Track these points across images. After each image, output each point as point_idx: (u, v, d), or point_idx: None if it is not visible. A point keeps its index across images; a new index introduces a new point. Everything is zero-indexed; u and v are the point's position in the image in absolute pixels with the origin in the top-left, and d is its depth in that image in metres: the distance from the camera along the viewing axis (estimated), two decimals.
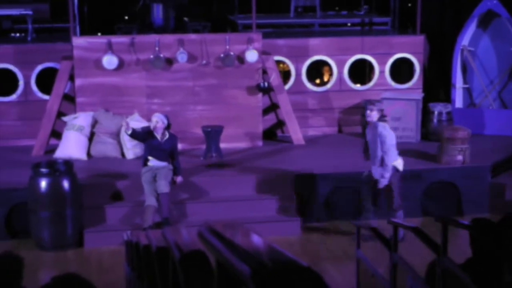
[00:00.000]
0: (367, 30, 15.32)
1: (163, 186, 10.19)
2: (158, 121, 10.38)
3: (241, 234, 2.04)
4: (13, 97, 12.83)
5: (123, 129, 11.94)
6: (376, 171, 9.94)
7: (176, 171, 10.53)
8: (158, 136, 10.41)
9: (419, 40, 13.78)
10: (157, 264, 3.75)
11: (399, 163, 9.94)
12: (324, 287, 1.43)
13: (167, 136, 10.48)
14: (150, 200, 10.17)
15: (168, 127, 10.50)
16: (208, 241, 2.08)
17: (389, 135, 9.77)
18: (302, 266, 1.49)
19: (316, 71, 14.09)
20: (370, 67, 13.88)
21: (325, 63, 13.71)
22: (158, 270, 3.72)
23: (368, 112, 9.89)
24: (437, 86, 14.62)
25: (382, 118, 9.89)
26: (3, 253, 5.86)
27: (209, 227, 2.17)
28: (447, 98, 13.92)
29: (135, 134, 10.50)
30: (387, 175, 9.85)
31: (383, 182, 9.89)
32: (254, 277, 1.52)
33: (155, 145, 10.41)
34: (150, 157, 10.40)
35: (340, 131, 13.75)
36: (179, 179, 10.55)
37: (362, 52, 13.61)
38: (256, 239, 1.92)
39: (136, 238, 5.80)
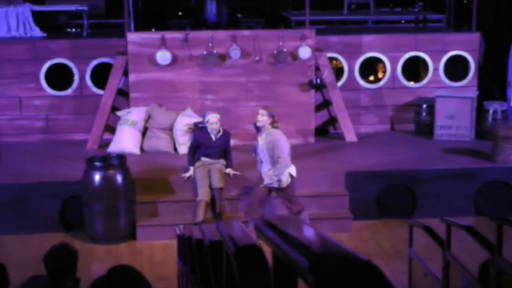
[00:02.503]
0: (422, 27, 15.18)
1: (218, 181, 10.26)
2: (217, 121, 10.45)
3: (298, 228, 2.04)
4: (68, 91, 13.00)
5: (175, 124, 12.03)
6: (266, 176, 9.79)
7: (227, 165, 10.64)
8: (213, 135, 10.45)
9: (474, 37, 13.61)
10: (211, 258, 3.77)
11: (292, 169, 9.77)
12: (385, 281, 1.42)
13: (220, 133, 10.54)
14: (203, 195, 10.22)
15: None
16: (265, 234, 2.09)
17: (282, 140, 9.54)
18: (362, 259, 1.48)
19: (370, 68, 14.00)
20: (424, 64, 13.75)
21: (378, 60, 13.62)
22: (212, 264, 3.73)
23: (259, 116, 9.63)
24: (492, 84, 14.42)
25: (274, 123, 9.65)
26: (58, 245, 5.96)
27: (265, 221, 2.17)
28: (503, 96, 13.73)
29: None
30: (282, 178, 9.68)
31: (273, 184, 9.73)
32: (313, 270, 1.52)
33: (208, 144, 10.47)
34: (203, 157, 10.49)
35: (392, 128, 13.65)
36: (232, 172, 10.65)
37: (416, 49, 13.49)
38: (313, 232, 1.91)
39: (189, 232, 5.83)
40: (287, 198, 9.89)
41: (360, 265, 1.46)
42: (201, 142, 10.51)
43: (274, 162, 9.64)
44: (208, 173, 10.36)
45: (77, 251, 6.02)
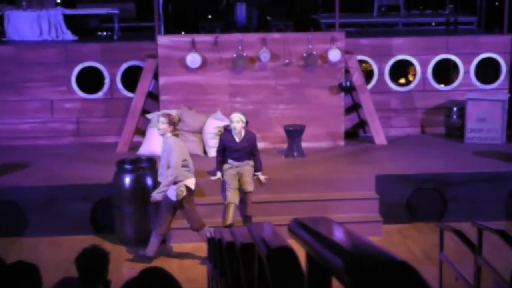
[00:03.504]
0: (452, 29, 15.09)
1: (248, 185, 10.28)
2: (239, 121, 10.36)
3: (331, 228, 2.04)
4: (99, 94, 13.08)
5: (205, 127, 12.06)
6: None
7: (256, 168, 10.60)
8: (237, 137, 10.42)
9: (506, 39, 13.51)
10: (242, 260, 3.77)
11: (190, 182, 9.36)
12: (421, 282, 1.41)
13: (243, 134, 10.46)
14: (232, 198, 10.23)
15: (245, 125, 10.49)
16: (298, 235, 2.08)
17: (176, 150, 9.15)
18: (398, 259, 1.48)
19: (400, 70, 13.94)
20: (455, 67, 13.66)
21: (409, 63, 13.56)
22: (243, 266, 3.74)
23: (160, 124, 9.23)
24: None
25: (174, 131, 9.28)
26: (90, 247, 5.99)
27: (299, 222, 2.17)
28: None
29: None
30: (169, 189, 9.30)
31: (156, 197, 9.35)
32: (349, 270, 1.51)
33: (232, 146, 10.44)
34: (230, 160, 10.49)
35: (423, 131, 13.58)
36: (262, 177, 10.63)
37: (446, 52, 13.41)
38: (347, 233, 1.91)
39: (219, 235, 5.84)
40: (184, 213, 9.50)
41: (396, 266, 1.46)
42: (226, 145, 10.49)
43: (165, 172, 9.32)
44: (237, 176, 10.37)
45: (109, 253, 6.05)
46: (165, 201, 9.42)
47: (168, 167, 9.21)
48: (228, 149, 10.48)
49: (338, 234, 1.95)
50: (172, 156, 9.15)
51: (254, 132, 10.81)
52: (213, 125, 12.08)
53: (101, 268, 5.90)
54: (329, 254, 1.69)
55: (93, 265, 5.84)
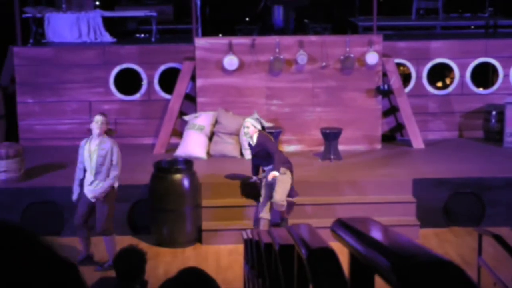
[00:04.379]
0: (492, 32, 14.95)
1: (276, 195, 10.04)
2: (249, 126, 10.11)
3: (375, 229, 2.03)
4: (137, 96, 13.16)
5: (241, 129, 12.08)
6: (91, 189, 9.36)
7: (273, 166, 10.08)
8: (251, 142, 10.22)
9: None
10: (281, 261, 3.77)
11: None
12: (468, 281, 1.40)
13: (255, 140, 10.13)
14: (263, 213, 10.13)
15: (263, 129, 10.24)
16: (341, 235, 2.08)
17: (118, 150, 9.29)
18: (444, 259, 1.47)
19: (438, 74, 13.84)
20: (494, 70, 13.53)
21: (447, 66, 13.47)
22: (282, 268, 3.73)
23: (93, 124, 9.18)
24: None
25: (109, 131, 9.32)
26: (128, 247, 6.03)
27: (341, 222, 2.16)
28: None
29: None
30: (108, 186, 9.30)
31: (102, 195, 9.31)
32: (396, 270, 1.51)
33: (252, 152, 10.34)
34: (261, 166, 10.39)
35: (461, 135, 13.46)
36: (272, 174, 9.94)
37: (485, 55, 13.29)
38: (391, 233, 1.90)
39: (257, 236, 5.84)
40: (105, 211, 9.43)
41: (444, 265, 1.44)
42: (251, 152, 10.41)
43: (103, 171, 9.30)
44: (268, 187, 10.14)
45: (146, 253, 6.09)
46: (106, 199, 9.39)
47: (111, 165, 9.29)
48: (251, 155, 10.45)
49: (382, 234, 1.94)
50: (116, 153, 9.28)
51: (266, 134, 10.32)
52: None
53: (139, 268, 5.93)
54: (375, 254, 1.68)
55: (131, 265, 5.88)
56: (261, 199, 10.21)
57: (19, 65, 12.95)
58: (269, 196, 10.09)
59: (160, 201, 10.31)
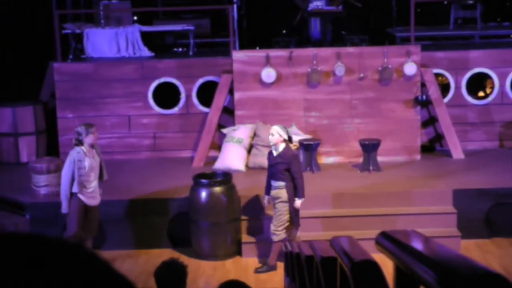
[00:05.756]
0: None
1: (273, 220, 9.73)
2: (274, 134, 9.58)
3: (420, 241, 2.02)
4: (175, 109, 13.23)
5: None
6: (93, 195, 9.58)
7: (296, 192, 9.58)
8: (274, 150, 9.68)
9: None
10: (323, 274, 3.76)
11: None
12: None
13: (280, 149, 9.55)
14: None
15: (290, 141, 9.67)
16: (386, 247, 2.07)
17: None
18: (492, 272, 1.45)
19: (477, 83, 13.73)
20: None
21: (486, 76, 13.35)
22: (324, 280, 3.73)
23: (91, 135, 9.41)
24: None
25: (78, 142, 9.40)
26: (169, 260, 6.06)
27: (386, 235, 2.15)
28: None
29: None
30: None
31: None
32: (442, 283, 1.50)
33: (268, 160, 9.78)
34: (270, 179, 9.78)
35: (501, 145, 13.32)
36: (297, 203, 9.56)
37: None
38: (437, 246, 1.89)
39: (297, 249, 5.84)
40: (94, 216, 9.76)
41: (491, 278, 1.43)
42: (268, 160, 9.80)
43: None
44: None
45: (187, 266, 6.11)
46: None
47: (101, 171, 9.61)
48: (268, 165, 9.85)
49: (427, 247, 1.93)
50: (102, 161, 9.66)
51: (296, 152, 10.00)
52: None
53: (180, 281, 5.96)
54: (420, 267, 1.67)
55: (172, 278, 5.91)
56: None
57: (59, 80, 13.10)
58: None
59: (199, 214, 10.34)
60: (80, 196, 9.43)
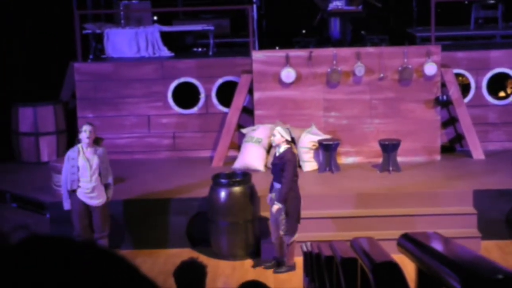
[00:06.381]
0: None
1: (279, 225, 9.70)
2: (275, 134, 9.60)
3: (443, 243, 2.01)
4: (194, 109, 13.24)
5: (299, 142, 12.06)
6: (93, 196, 9.51)
7: (277, 195, 9.55)
8: (277, 152, 9.72)
9: None
10: (343, 274, 3.76)
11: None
12: None
13: (281, 151, 9.57)
14: (272, 236, 9.95)
15: (293, 141, 9.66)
16: (409, 249, 2.06)
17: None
18: None
19: (498, 84, 13.65)
20: None
21: (507, 76, 13.28)
22: (345, 281, 3.72)
23: (83, 133, 9.42)
24: None
25: (97, 139, 9.50)
26: (189, 260, 6.06)
27: (408, 237, 2.15)
28: None
29: None
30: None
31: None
32: (465, 285, 1.49)
33: (272, 161, 9.86)
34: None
35: None
36: (274, 207, 9.53)
37: None
38: (459, 248, 1.88)
39: (316, 249, 5.83)
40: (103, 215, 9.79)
41: None
42: (273, 159, 9.88)
43: (100, 177, 9.52)
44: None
45: (206, 267, 6.12)
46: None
47: (106, 173, 9.53)
48: (271, 166, 9.91)
49: (450, 249, 1.92)
50: (108, 162, 9.59)
51: (294, 152, 9.73)
52: (308, 139, 12.09)
53: (199, 281, 5.96)
54: (443, 269, 1.66)
55: (191, 278, 5.91)
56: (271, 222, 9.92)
57: (80, 80, 13.16)
58: (276, 220, 9.75)
59: (218, 214, 10.35)
60: (78, 195, 9.45)
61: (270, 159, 12.03)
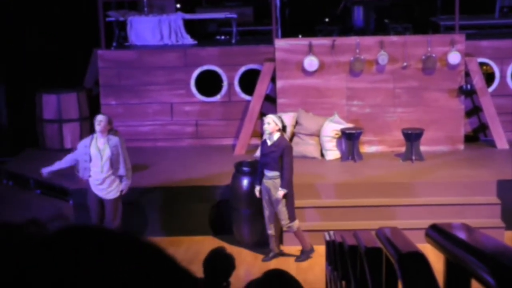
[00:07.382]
0: None
1: (279, 215, 9.77)
2: (270, 122, 9.61)
3: (471, 234, 2.00)
4: (217, 97, 13.26)
5: (322, 130, 12.05)
6: (103, 188, 9.51)
7: (282, 182, 9.59)
8: (268, 139, 9.71)
9: None
10: (368, 264, 3.76)
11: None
12: None
13: (275, 139, 9.61)
14: (268, 227, 9.95)
15: (283, 130, 9.70)
16: (437, 240, 2.06)
17: (125, 146, 9.62)
18: None
19: None
20: None
21: None
22: (369, 270, 3.72)
23: (95, 122, 9.44)
24: None
25: (112, 130, 9.55)
26: (219, 251, 6.11)
27: (436, 227, 2.14)
28: None
29: None
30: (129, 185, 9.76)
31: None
32: (494, 275, 1.49)
33: (262, 150, 9.85)
34: (263, 169, 9.75)
35: None
36: (279, 193, 9.57)
37: None
38: (487, 238, 1.88)
39: (340, 238, 5.83)
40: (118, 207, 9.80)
41: None
42: (261, 150, 9.90)
43: (113, 168, 9.49)
44: (268, 195, 9.76)
45: (235, 259, 6.16)
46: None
47: (118, 165, 9.47)
48: (261, 154, 9.94)
49: (478, 239, 1.92)
50: (125, 150, 9.59)
51: (289, 142, 9.99)
52: (330, 128, 12.07)
53: (228, 270, 6.01)
54: (474, 260, 1.66)
55: (220, 270, 5.96)
56: (265, 217, 9.95)
57: (103, 67, 13.21)
58: (270, 210, 9.83)
59: (241, 202, 10.37)
60: (91, 187, 9.51)
61: (295, 148, 12.06)
